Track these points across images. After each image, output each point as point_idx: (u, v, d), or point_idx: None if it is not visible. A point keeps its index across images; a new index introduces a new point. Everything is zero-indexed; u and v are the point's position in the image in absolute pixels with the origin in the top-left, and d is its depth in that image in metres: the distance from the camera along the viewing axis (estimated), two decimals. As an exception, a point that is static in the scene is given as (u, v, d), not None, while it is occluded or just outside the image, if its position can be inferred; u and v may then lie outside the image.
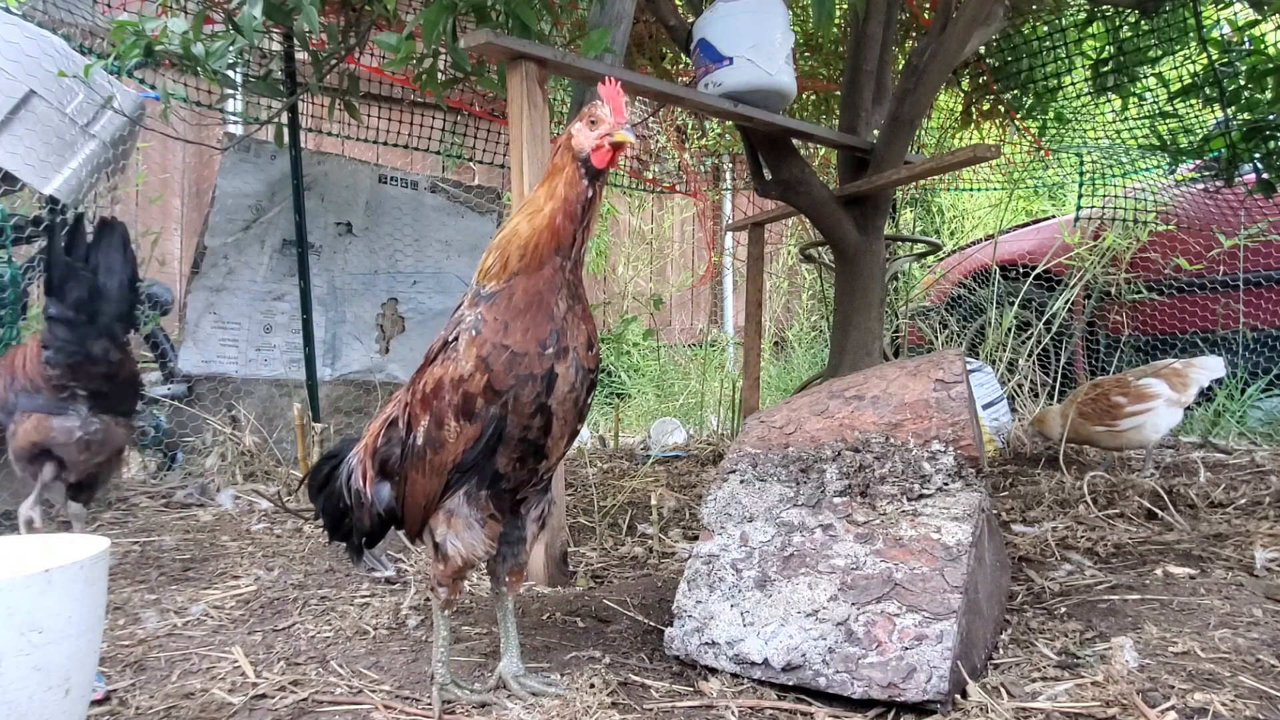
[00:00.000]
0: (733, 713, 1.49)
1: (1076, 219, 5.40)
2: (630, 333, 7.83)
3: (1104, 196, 5.40)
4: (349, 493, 1.71)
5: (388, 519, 1.67)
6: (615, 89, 1.51)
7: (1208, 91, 3.91)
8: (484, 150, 5.66)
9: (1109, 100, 5.04)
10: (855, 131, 3.41)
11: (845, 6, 4.20)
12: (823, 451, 1.82)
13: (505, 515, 1.57)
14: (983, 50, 4.40)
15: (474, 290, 1.50)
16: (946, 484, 1.69)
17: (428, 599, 2.12)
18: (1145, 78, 4.64)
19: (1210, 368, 3.25)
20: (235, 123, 5.29)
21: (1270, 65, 3.64)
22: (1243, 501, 2.86)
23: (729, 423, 4.81)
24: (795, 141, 3.37)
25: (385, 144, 5.35)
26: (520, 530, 1.62)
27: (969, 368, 2.31)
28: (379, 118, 5.25)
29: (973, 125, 4.88)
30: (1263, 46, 3.86)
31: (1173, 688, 1.49)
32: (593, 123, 1.47)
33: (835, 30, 4.55)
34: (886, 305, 5.26)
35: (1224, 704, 1.43)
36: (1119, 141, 5.42)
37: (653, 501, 2.88)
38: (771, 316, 7.82)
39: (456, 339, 1.48)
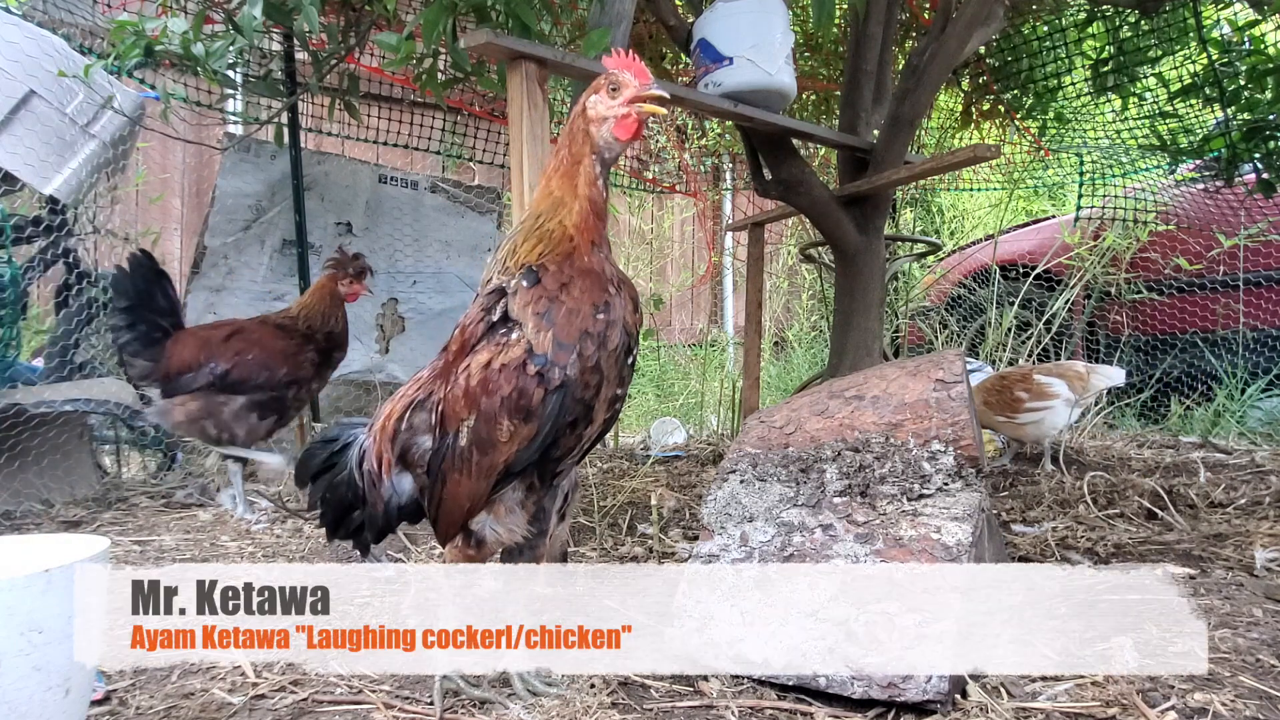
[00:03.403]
0: (733, 712, 1.49)
1: (1076, 219, 5.40)
2: (630, 332, 7.80)
3: (1104, 196, 5.41)
4: (361, 477, 1.57)
5: (404, 515, 1.56)
6: (629, 57, 1.40)
7: (1208, 91, 3.92)
8: (484, 150, 5.66)
9: (1109, 100, 5.04)
10: (855, 131, 3.41)
11: (845, 6, 4.20)
12: (823, 451, 1.82)
13: (545, 488, 1.50)
14: (983, 50, 4.41)
15: (511, 275, 1.42)
16: (946, 484, 1.69)
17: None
18: (1145, 78, 4.64)
19: (1110, 376, 3.44)
20: (235, 123, 5.29)
21: (1270, 65, 3.65)
22: (1243, 501, 2.86)
23: (729, 423, 4.81)
24: (795, 141, 3.37)
25: (385, 144, 5.35)
26: (543, 523, 1.56)
27: (969, 368, 2.31)
28: (379, 118, 5.25)
29: (973, 125, 4.89)
30: (1263, 46, 3.87)
31: (1173, 688, 1.49)
32: (614, 89, 1.38)
33: (835, 30, 4.55)
34: (886, 305, 5.26)
35: (1224, 704, 1.43)
36: (1119, 141, 5.43)
37: (653, 501, 2.87)
38: (771, 316, 7.82)
39: (506, 315, 1.37)
